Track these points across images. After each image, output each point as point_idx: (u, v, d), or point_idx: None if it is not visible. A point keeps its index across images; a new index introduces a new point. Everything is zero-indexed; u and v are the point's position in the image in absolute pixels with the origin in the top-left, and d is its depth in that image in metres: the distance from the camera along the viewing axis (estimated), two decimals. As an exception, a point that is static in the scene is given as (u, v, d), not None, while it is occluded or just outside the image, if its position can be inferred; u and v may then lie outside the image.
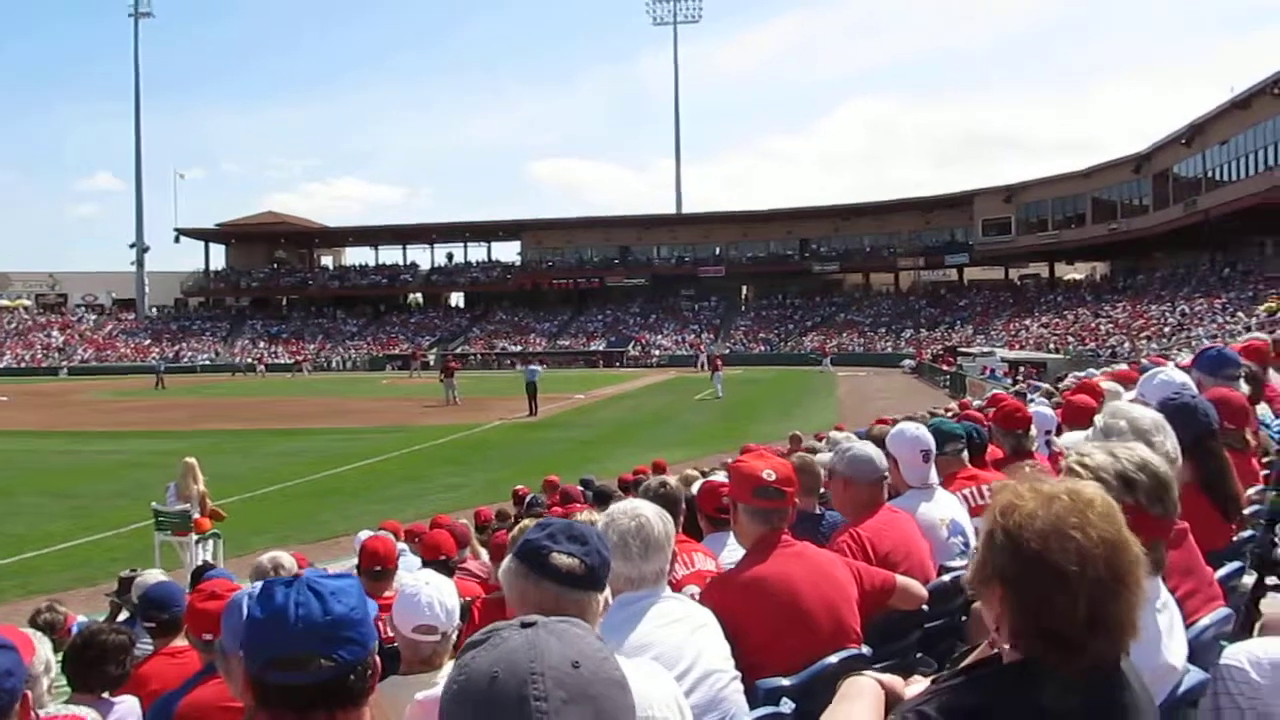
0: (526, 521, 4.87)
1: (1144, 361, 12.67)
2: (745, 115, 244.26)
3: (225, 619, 2.79)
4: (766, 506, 3.43)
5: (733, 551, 4.34)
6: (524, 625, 1.26)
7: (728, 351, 62.74)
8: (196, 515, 13.30)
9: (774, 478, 3.43)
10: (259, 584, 1.86)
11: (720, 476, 5.33)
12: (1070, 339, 50.53)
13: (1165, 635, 2.13)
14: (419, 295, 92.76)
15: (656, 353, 72.28)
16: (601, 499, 8.80)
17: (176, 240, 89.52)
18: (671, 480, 5.03)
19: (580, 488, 11.72)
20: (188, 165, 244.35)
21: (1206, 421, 3.64)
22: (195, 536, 13.15)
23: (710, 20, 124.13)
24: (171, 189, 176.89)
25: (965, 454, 5.27)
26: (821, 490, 5.35)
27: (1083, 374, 14.36)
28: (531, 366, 38.54)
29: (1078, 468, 2.28)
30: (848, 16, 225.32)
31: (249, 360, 74.74)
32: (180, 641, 4.60)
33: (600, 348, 74.93)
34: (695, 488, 5.50)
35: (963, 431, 5.37)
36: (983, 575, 1.72)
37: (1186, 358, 13.53)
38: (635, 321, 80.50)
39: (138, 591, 6.12)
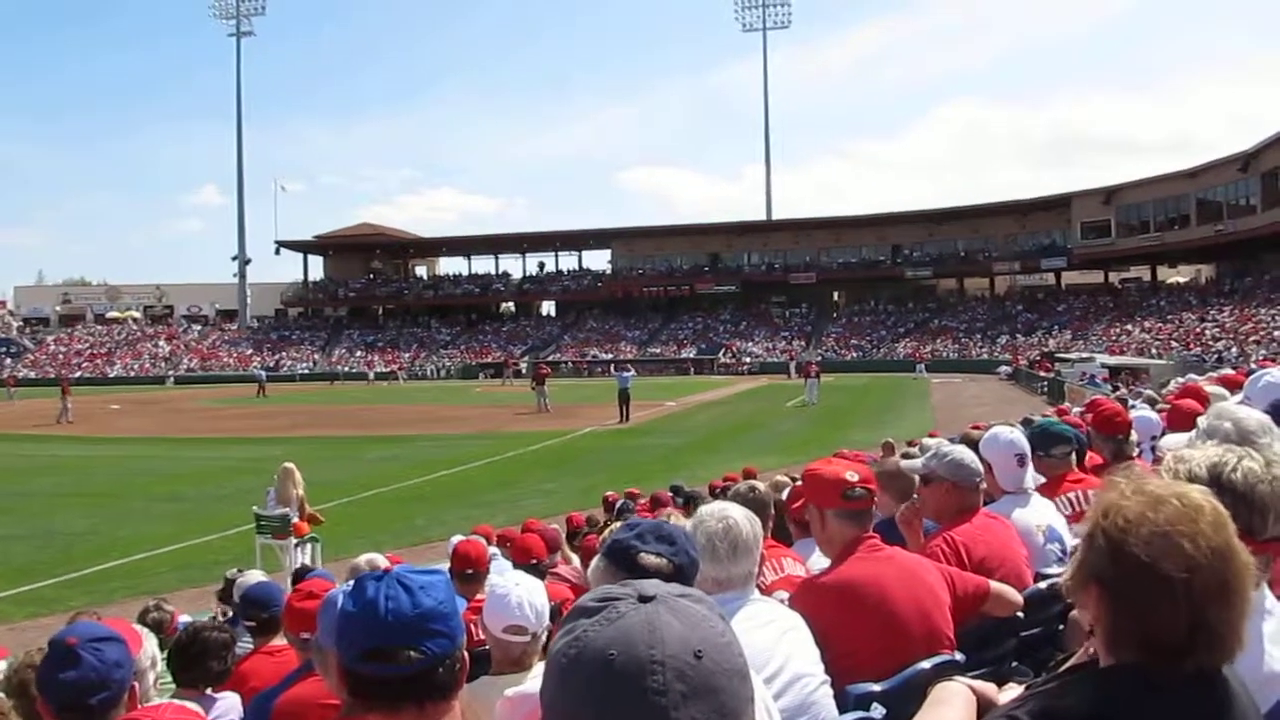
0: (616, 525, 4.88)
1: (1252, 366, 12.27)
2: (836, 121, 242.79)
3: (321, 616, 2.84)
4: (856, 508, 3.40)
5: (822, 557, 4.30)
6: (642, 599, 1.17)
7: (819, 358, 62.29)
8: (295, 519, 13.57)
9: (857, 478, 3.41)
10: (352, 580, 1.91)
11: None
12: (1174, 344, 49.11)
13: (1270, 644, 2.05)
14: (511, 304, 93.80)
15: (748, 360, 72.03)
16: (692, 504, 8.79)
17: (277, 252, 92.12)
18: (761, 485, 5.00)
19: (670, 493, 11.71)
20: (288, 178, 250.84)
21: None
22: (294, 540, 13.42)
23: (799, 26, 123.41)
24: (272, 202, 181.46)
25: (1073, 457, 5.13)
26: (914, 497, 5.27)
27: (1185, 380, 13.95)
28: (623, 373, 38.50)
29: (1175, 465, 2.21)
30: (937, 19, 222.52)
31: (351, 368, 76.75)
32: (279, 640, 4.70)
33: (691, 355, 75.00)
34: (785, 493, 5.47)
35: (1071, 434, 5.24)
36: (1081, 577, 1.67)
37: (1298, 362, 13.03)
38: (726, 329, 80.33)
39: (238, 592, 6.28)
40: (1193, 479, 2.09)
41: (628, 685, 1.08)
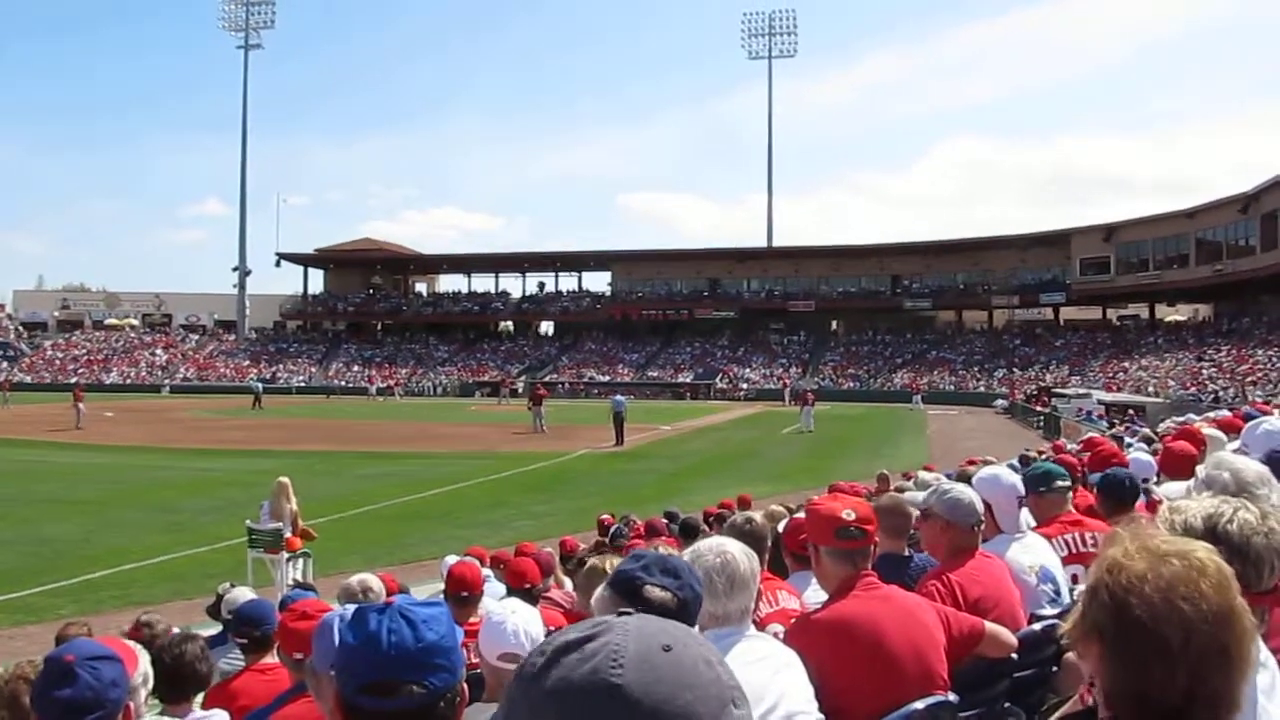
0: (596, 561, 4.86)
1: (1247, 409, 12.28)
2: (839, 151, 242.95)
3: (317, 639, 2.84)
4: (850, 547, 3.40)
5: (818, 590, 4.30)
6: (621, 614, 1.08)
7: (816, 386, 62.32)
8: (288, 534, 13.57)
9: (854, 517, 3.41)
10: (351, 608, 1.90)
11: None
12: (1171, 383, 49.17)
13: (1265, 697, 2.06)
14: (510, 323, 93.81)
15: (744, 386, 72.07)
16: (688, 532, 8.78)
17: (277, 264, 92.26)
18: (757, 517, 5.01)
19: (665, 520, 11.69)
20: (292, 192, 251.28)
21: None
22: (286, 555, 13.40)
23: (805, 56, 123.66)
24: (274, 214, 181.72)
25: (1070, 496, 5.14)
26: (911, 532, 5.27)
27: (1183, 419, 13.97)
28: (617, 397, 39.03)
29: (1171, 515, 2.22)
30: (943, 54, 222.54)
31: (348, 383, 76.84)
32: (271, 658, 4.68)
33: (688, 380, 75.02)
34: (781, 525, 5.47)
35: (1067, 475, 5.25)
36: (1082, 630, 1.67)
37: (1294, 406, 13.05)
38: (723, 354, 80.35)
39: (228, 608, 6.25)
40: (1188, 530, 2.10)
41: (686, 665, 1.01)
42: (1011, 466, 11.08)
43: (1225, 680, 1.55)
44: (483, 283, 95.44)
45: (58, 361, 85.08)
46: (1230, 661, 1.55)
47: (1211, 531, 2.19)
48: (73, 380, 69.03)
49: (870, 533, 3.44)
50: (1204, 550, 1.65)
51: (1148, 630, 1.55)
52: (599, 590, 2.34)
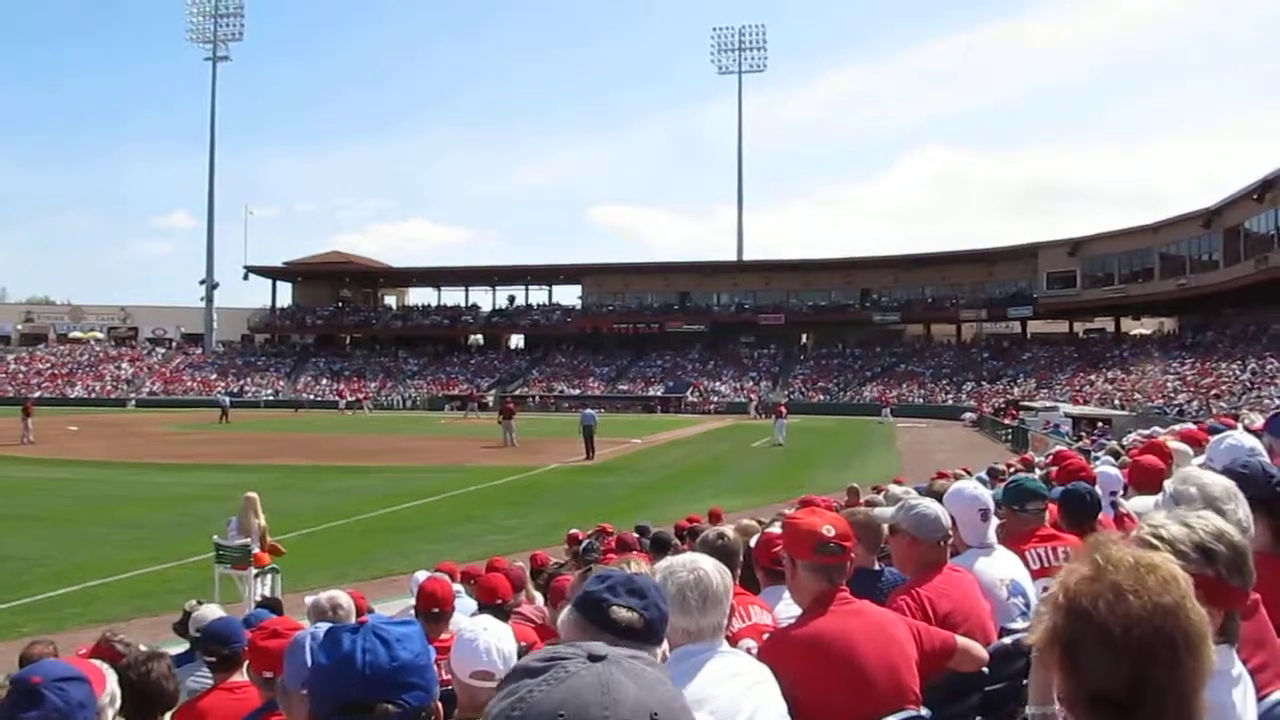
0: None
1: (1211, 422, 12.41)
2: (808, 164, 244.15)
3: (289, 658, 2.82)
4: (828, 563, 3.41)
5: (790, 605, 4.30)
6: (592, 658, 1.10)
7: (786, 399, 62.47)
8: (256, 550, 13.46)
9: (834, 533, 3.42)
10: (322, 628, 1.89)
11: (779, 529, 5.29)
12: (1137, 395, 49.67)
13: (1240, 707, 2.09)
14: (480, 336, 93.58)
15: (715, 399, 72.22)
16: (659, 546, 8.77)
17: (245, 278, 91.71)
18: (729, 532, 5.01)
19: (636, 534, 11.67)
20: (261, 204, 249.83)
21: (1275, 488, 3.55)
22: (254, 570, 13.30)
23: (774, 69, 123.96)
24: (243, 227, 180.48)
25: (1045, 514, 5.17)
26: (882, 546, 5.29)
27: (1148, 432, 14.10)
28: (588, 411, 39.13)
29: (1153, 539, 2.22)
30: (911, 68, 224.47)
31: (317, 396, 76.24)
32: (240, 677, 4.64)
33: (658, 393, 75.09)
34: (753, 540, 5.47)
35: (1045, 491, 5.28)
36: (1043, 639, 1.69)
37: (1258, 419, 13.18)
38: (694, 368, 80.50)
39: (196, 625, 6.18)
40: (1179, 554, 2.11)
41: None
42: (980, 479, 11.16)
43: (1172, 675, 1.55)
44: (452, 296, 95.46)
45: (21, 375, 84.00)
46: (1177, 656, 1.55)
47: (1200, 547, 2.20)
48: (35, 394, 68.24)
49: (849, 549, 3.46)
50: (1160, 556, 1.68)
51: (1093, 624, 1.56)
52: (564, 612, 2.33)
